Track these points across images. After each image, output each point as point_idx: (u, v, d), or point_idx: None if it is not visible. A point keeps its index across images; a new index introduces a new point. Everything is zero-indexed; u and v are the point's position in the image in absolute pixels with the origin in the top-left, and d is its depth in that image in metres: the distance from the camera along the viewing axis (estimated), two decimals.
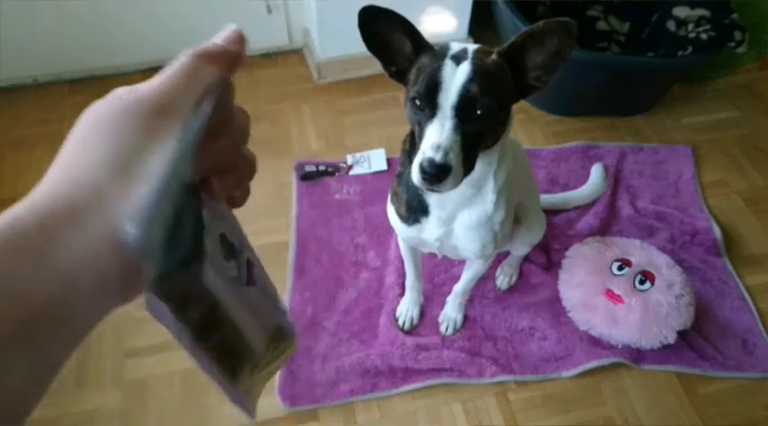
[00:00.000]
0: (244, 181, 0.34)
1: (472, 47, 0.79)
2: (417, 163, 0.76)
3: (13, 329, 0.21)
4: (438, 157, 0.74)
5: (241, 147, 0.33)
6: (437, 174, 0.75)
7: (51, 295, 0.22)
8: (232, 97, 0.32)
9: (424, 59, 0.79)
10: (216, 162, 0.30)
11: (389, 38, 0.81)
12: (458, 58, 0.76)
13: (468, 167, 0.79)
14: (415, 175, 0.78)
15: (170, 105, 0.28)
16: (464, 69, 0.75)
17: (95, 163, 0.26)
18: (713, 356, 1.32)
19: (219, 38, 0.32)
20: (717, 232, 1.55)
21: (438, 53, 0.78)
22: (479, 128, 0.78)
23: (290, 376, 1.27)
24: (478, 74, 0.75)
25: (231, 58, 0.31)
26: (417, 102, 0.78)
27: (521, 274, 1.46)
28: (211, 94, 0.28)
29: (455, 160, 0.75)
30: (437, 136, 0.75)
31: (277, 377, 1.27)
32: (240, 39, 0.32)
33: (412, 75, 0.81)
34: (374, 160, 1.69)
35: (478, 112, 0.76)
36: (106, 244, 0.24)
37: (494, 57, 0.78)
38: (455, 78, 0.75)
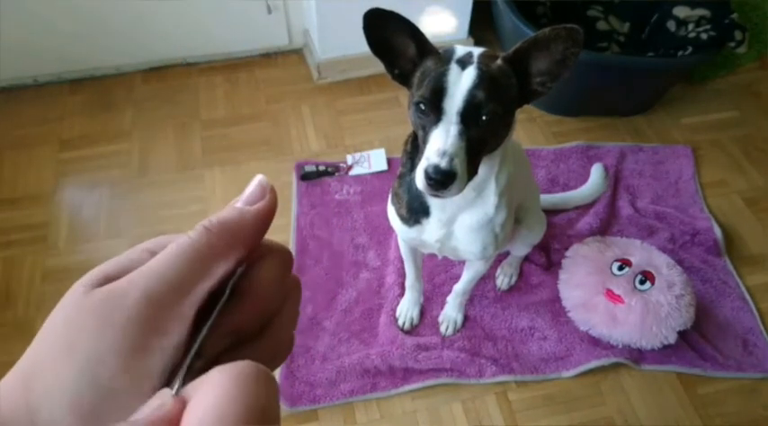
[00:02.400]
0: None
1: (477, 51, 0.78)
2: (422, 169, 0.76)
3: None
4: (443, 164, 0.74)
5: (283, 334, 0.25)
6: (442, 181, 0.74)
7: None
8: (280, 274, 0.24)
9: (429, 63, 0.79)
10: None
11: (394, 41, 0.80)
12: (463, 63, 0.76)
13: (471, 172, 0.79)
14: (420, 181, 0.77)
15: (170, 303, 0.20)
16: (470, 75, 0.74)
17: (54, 398, 0.19)
18: (713, 356, 1.32)
19: (242, 197, 0.24)
20: (717, 232, 1.55)
21: (443, 57, 0.78)
22: (484, 133, 0.77)
23: (290, 376, 1.27)
24: (484, 79, 0.74)
25: (255, 230, 0.23)
26: (422, 107, 0.77)
27: (521, 274, 1.46)
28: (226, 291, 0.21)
29: (460, 166, 0.75)
30: (442, 142, 0.75)
31: (277, 378, 1.27)
32: (265, 194, 0.24)
33: (416, 79, 0.80)
34: (374, 160, 1.69)
35: (483, 118, 0.75)
36: None
37: (499, 62, 0.77)
38: (460, 84, 0.74)
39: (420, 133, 0.81)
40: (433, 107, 0.76)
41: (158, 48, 1.92)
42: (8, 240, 1.53)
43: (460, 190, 0.77)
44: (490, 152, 0.84)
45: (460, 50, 0.78)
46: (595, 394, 1.28)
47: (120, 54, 1.91)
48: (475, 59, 0.76)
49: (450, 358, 1.29)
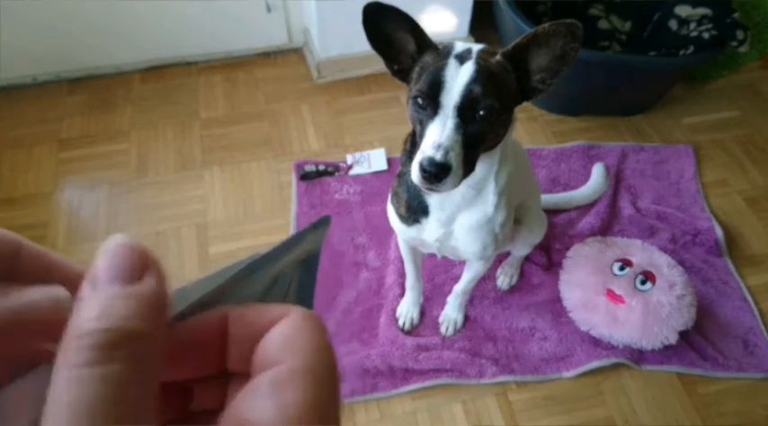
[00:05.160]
0: None
1: (476, 47, 0.78)
2: (417, 161, 0.76)
3: None
4: (438, 156, 0.74)
5: None
6: (437, 174, 0.74)
7: None
8: None
9: (428, 58, 0.79)
10: None
11: (393, 35, 0.81)
12: (461, 58, 0.76)
13: (468, 168, 0.79)
14: (415, 174, 0.77)
15: None
16: (467, 69, 0.75)
17: None
18: (714, 356, 1.32)
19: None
20: (718, 232, 1.55)
21: (442, 52, 0.78)
22: (481, 128, 0.77)
23: None
24: (482, 74, 0.74)
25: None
26: (419, 101, 0.77)
27: (521, 274, 1.46)
28: None
29: (455, 160, 0.75)
30: (438, 135, 0.75)
31: None
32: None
33: (415, 74, 0.80)
34: (374, 160, 1.68)
35: (480, 113, 0.76)
36: None
37: (498, 58, 0.78)
38: (458, 78, 0.75)
39: (417, 128, 0.81)
40: (430, 101, 0.76)
41: (157, 47, 1.92)
42: None
43: (455, 184, 0.77)
44: (489, 149, 0.84)
45: (459, 46, 0.78)
46: (596, 394, 1.28)
47: (119, 53, 1.90)
48: (474, 55, 0.76)
49: (450, 358, 1.29)
